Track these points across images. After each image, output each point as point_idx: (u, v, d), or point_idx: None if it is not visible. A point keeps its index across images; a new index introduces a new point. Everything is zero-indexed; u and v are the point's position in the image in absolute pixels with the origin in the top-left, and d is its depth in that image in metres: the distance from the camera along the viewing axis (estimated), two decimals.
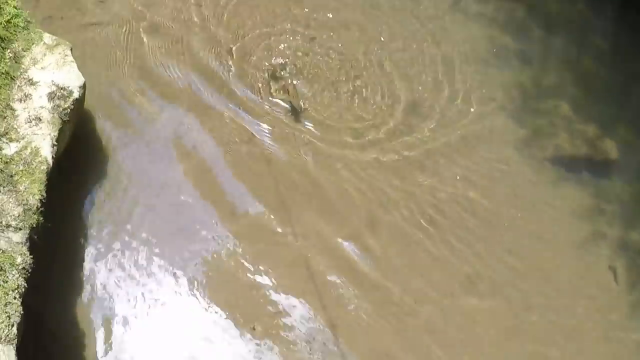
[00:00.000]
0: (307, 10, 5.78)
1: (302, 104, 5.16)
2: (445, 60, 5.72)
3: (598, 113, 5.58)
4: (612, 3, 6.12)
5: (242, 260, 4.36)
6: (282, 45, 5.56)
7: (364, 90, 5.39)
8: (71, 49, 4.35)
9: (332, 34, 5.71)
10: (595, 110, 5.61)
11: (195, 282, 4.22)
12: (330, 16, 5.79)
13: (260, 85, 5.27)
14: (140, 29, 5.44)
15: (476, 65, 5.74)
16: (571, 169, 5.24)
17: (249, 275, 4.31)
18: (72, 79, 4.18)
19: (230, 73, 5.31)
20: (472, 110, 5.43)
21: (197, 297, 4.16)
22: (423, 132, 5.23)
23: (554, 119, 5.52)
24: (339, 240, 4.58)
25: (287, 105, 5.17)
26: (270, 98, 5.20)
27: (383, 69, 5.56)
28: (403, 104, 5.37)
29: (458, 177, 5.02)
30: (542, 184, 5.12)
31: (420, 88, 5.49)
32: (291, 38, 5.63)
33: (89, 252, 4.19)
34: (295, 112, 5.13)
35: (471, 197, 4.93)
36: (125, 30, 5.41)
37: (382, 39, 5.76)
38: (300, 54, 5.54)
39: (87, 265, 4.13)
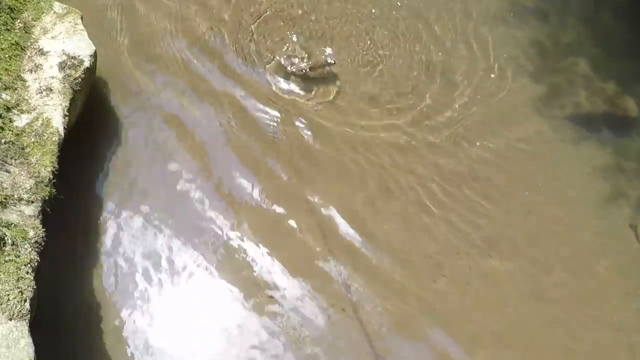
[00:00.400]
0: None
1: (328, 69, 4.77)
2: (460, 18, 5.34)
3: (617, 70, 5.30)
4: None
5: (245, 238, 4.01)
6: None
7: (381, 60, 5.01)
8: (81, 18, 4.02)
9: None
10: (614, 67, 5.32)
11: (206, 255, 3.89)
12: None
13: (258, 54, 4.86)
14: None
15: (493, 24, 5.37)
16: (591, 128, 4.95)
17: (252, 250, 3.98)
18: (82, 47, 3.87)
19: (229, 45, 4.87)
20: (489, 69, 5.08)
21: (208, 270, 3.85)
22: (439, 94, 4.86)
23: (572, 77, 5.22)
24: (352, 207, 4.25)
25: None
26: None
27: (398, 29, 5.17)
28: (419, 66, 4.99)
29: (478, 144, 4.68)
30: (562, 143, 4.81)
31: (437, 49, 5.12)
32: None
33: (103, 223, 3.89)
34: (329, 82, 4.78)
35: (490, 159, 4.61)
36: None
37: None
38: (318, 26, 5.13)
39: (102, 235, 3.84)
